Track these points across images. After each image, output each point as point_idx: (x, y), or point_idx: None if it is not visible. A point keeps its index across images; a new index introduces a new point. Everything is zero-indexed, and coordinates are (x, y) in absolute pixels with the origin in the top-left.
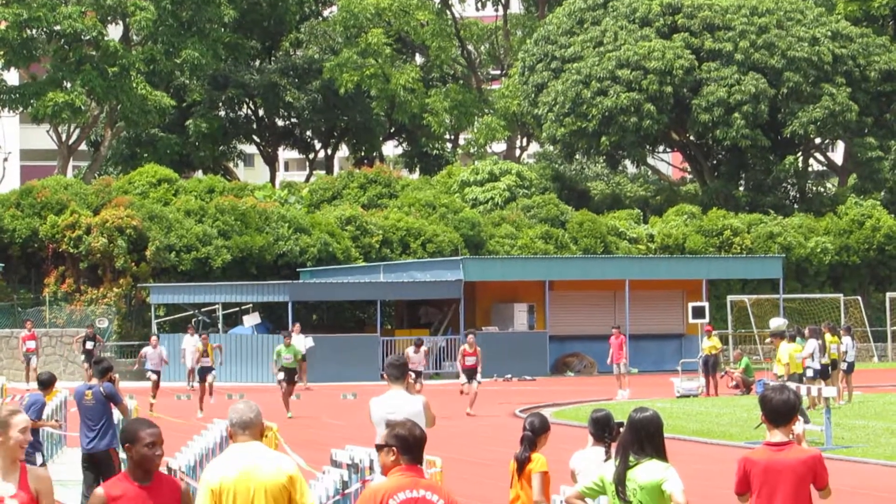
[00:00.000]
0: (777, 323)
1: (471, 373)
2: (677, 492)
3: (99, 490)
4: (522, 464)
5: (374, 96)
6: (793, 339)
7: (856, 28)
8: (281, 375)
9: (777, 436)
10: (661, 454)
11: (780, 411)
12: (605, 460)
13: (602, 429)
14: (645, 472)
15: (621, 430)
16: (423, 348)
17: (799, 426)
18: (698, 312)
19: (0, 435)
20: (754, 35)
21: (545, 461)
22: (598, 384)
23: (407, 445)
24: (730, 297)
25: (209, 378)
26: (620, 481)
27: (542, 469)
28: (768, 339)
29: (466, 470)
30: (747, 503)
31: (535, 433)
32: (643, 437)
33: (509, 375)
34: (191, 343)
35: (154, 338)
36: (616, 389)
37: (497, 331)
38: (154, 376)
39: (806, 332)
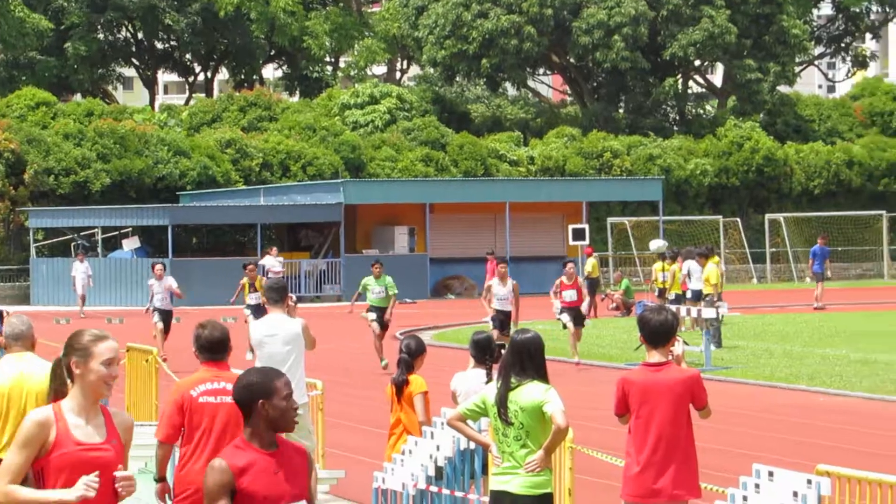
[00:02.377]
0: (657, 245)
1: (575, 312)
2: (557, 413)
3: (219, 462)
4: (401, 387)
5: (254, 19)
6: (673, 259)
7: None
8: (371, 316)
9: (655, 356)
10: (542, 376)
11: (659, 332)
12: (487, 382)
13: (483, 351)
14: (526, 393)
15: (502, 352)
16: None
17: (678, 347)
18: (578, 234)
19: (79, 366)
20: None
21: (423, 382)
22: (478, 307)
23: (204, 345)
24: (610, 220)
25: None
26: (502, 403)
27: (422, 390)
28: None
29: (348, 393)
30: (627, 423)
31: (412, 355)
32: (525, 359)
33: None
34: (80, 270)
35: (160, 266)
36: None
37: (378, 253)
38: (159, 323)
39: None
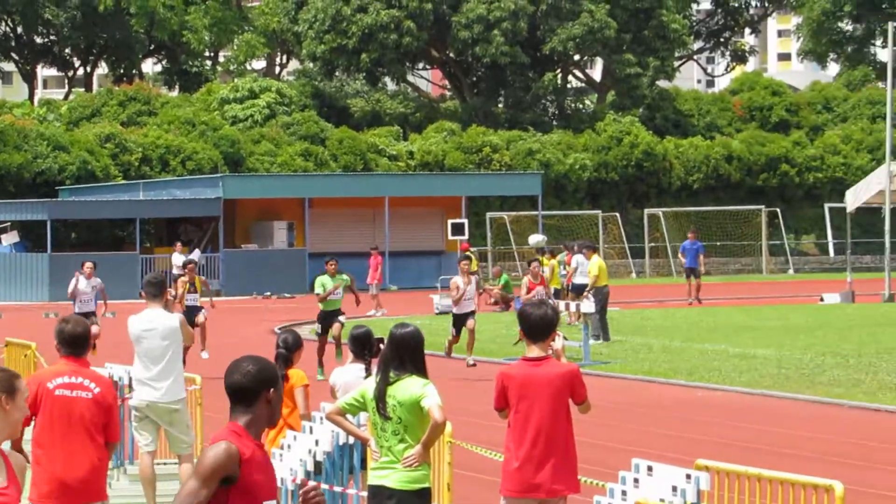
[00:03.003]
0: (536, 239)
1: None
2: (434, 408)
3: (230, 446)
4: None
5: (134, 13)
6: (553, 255)
7: None
8: (317, 328)
9: (534, 351)
10: (421, 370)
11: (538, 326)
12: (365, 377)
13: (361, 345)
14: (404, 388)
15: (381, 346)
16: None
17: (558, 341)
18: (457, 229)
19: (8, 403)
20: None
21: (304, 375)
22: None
23: (66, 340)
24: (489, 214)
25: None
26: (381, 397)
27: (303, 383)
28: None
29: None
30: (507, 418)
31: (290, 350)
32: (404, 353)
33: (269, 293)
34: None
35: (90, 263)
36: (371, 307)
37: (257, 248)
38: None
39: (575, 247)
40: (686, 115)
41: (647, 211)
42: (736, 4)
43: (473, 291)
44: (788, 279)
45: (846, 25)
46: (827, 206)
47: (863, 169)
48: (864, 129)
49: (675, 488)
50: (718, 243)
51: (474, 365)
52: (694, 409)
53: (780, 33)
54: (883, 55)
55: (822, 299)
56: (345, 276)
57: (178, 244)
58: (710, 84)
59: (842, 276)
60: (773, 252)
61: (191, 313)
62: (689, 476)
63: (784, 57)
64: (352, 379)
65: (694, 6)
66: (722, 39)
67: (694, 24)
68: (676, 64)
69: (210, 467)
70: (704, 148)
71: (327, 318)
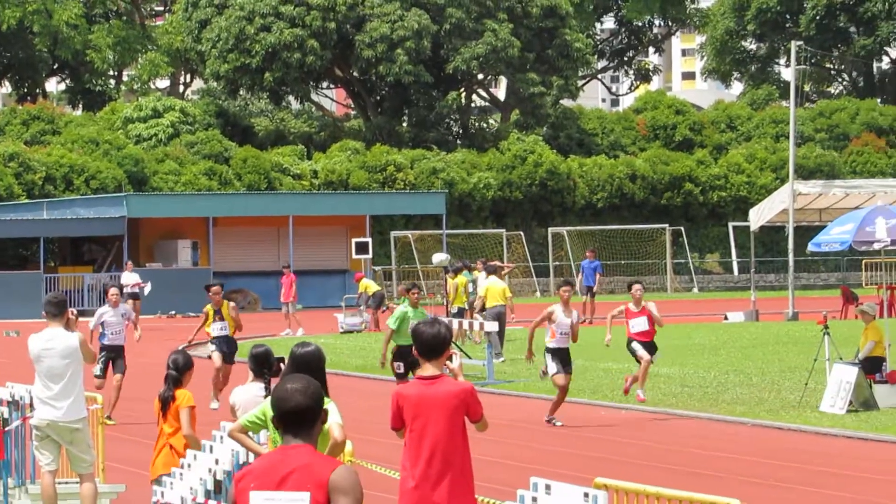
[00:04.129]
0: (440, 258)
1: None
2: (335, 427)
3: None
4: (167, 401)
5: (37, 32)
6: (457, 272)
7: None
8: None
9: (429, 370)
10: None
11: (431, 345)
12: (265, 395)
13: (261, 364)
14: None
15: (282, 365)
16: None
17: (455, 361)
18: (362, 248)
19: None
20: None
21: (190, 396)
22: (262, 320)
23: None
24: (393, 233)
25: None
26: None
27: (188, 404)
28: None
29: (127, 406)
30: (404, 437)
31: (180, 371)
32: (305, 372)
33: (173, 312)
34: None
35: (115, 289)
36: (285, 327)
37: (161, 267)
38: (101, 365)
39: (478, 265)
40: (590, 133)
41: (551, 230)
42: (640, 24)
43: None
44: (693, 297)
45: (750, 44)
46: (731, 224)
47: (766, 188)
48: (767, 147)
49: None
50: (623, 262)
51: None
52: (596, 428)
53: (684, 52)
54: (786, 74)
55: (726, 318)
56: (423, 311)
57: (129, 263)
58: (615, 103)
59: (746, 294)
60: (678, 271)
61: (223, 345)
62: (587, 494)
63: (688, 76)
64: (251, 397)
65: (598, 25)
66: (626, 58)
67: (598, 43)
68: (580, 83)
69: (361, 488)
70: (608, 167)
71: (409, 354)
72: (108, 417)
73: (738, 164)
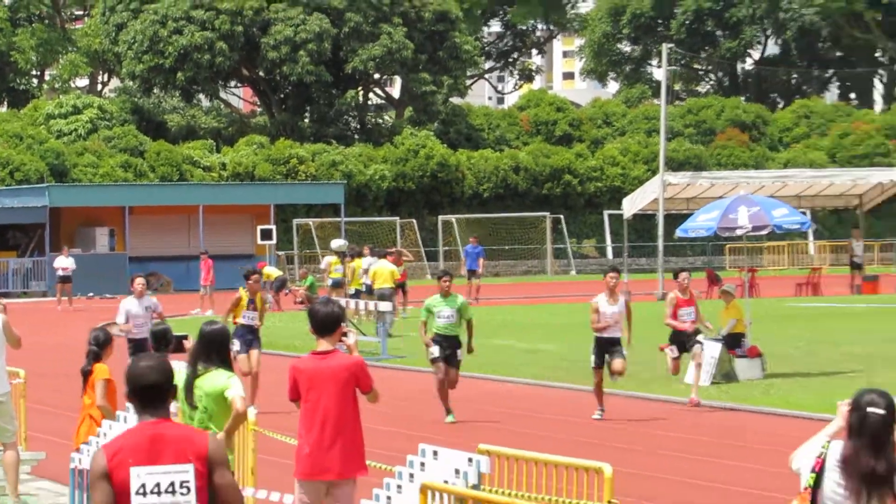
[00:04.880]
0: (338, 244)
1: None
2: (237, 398)
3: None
4: (86, 375)
5: None
6: (353, 257)
7: None
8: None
9: (323, 345)
10: (226, 364)
11: (325, 322)
12: None
13: (158, 340)
14: (210, 380)
15: (184, 342)
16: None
17: (351, 337)
18: (266, 234)
19: None
20: None
21: (107, 369)
22: (173, 301)
23: None
24: (296, 221)
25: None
26: (189, 388)
27: (103, 377)
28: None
29: (50, 382)
30: (300, 407)
31: (100, 346)
32: (211, 349)
33: (91, 294)
34: None
35: (141, 279)
36: (200, 307)
37: (81, 252)
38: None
39: (365, 250)
40: (477, 129)
41: (441, 217)
42: (524, 28)
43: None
44: (570, 279)
45: (625, 47)
46: (606, 212)
47: (639, 179)
48: (640, 142)
49: (457, 471)
50: (507, 247)
51: None
52: (483, 399)
53: (565, 54)
54: (658, 74)
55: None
56: (461, 299)
57: (66, 248)
58: (500, 101)
59: (620, 277)
60: (557, 255)
61: (247, 334)
62: (470, 460)
63: (568, 76)
64: None
65: (485, 29)
66: (510, 60)
67: (485, 45)
68: (469, 82)
69: None
70: (494, 159)
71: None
72: None
73: (613, 157)
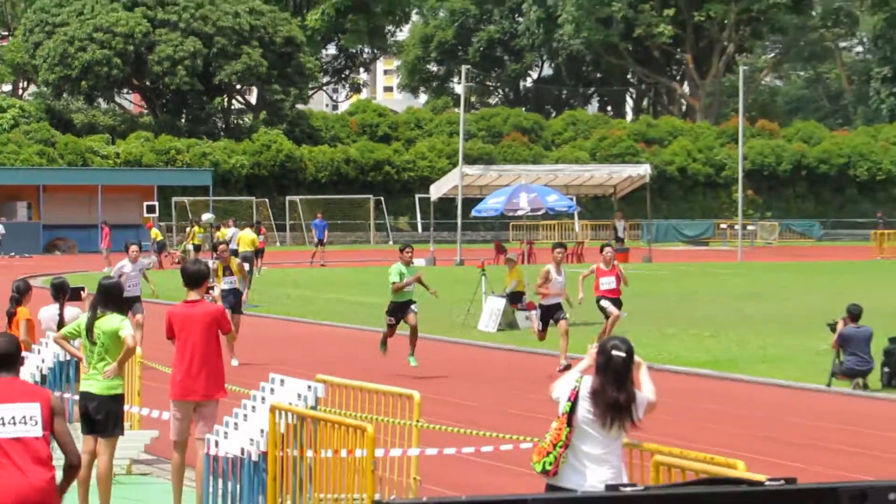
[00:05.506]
0: (207, 217)
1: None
2: (128, 337)
3: None
4: (11, 316)
5: None
6: (219, 228)
7: (267, 6)
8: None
9: (192, 296)
10: (120, 309)
11: (194, 277)
12: (59, 314)
13: (57, 291)
14: (107, 322)
15: (81, 293)
16: None
17: (217, 290)
18: (151, 209)
19: None
20: (194, 9)
21: (27, 311)
22: (80, 260)
23: None
24: (174, 199)
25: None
26: (90, 328)
27: (25, 317)
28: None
29: None
30: (175, 344)
31: (21, 293)
32: (108, 298)
33: (13, 253)
34: None
35: (136, 246)
36: (103, 266)
37: (6, 221)
38: (139, 315)
39: (230, 223)
40: (317, 129)
41: (288, 198)
42: (354, 51)
43: None
44: (389, 248)
45: (432, 67)
46: (417, 196)
47: (443, 170)
48: (444, 141)
49: (299, 395)
50: (339, 222)
51: None
52: (320, 340)
53: (386, 72)
54: (458, 89)
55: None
56: (417, 267)
57: (2, 218)
58: (335, 107)
59: (427, 246)
60: (379, 229)
61: (230, 296)
62: (309, 386)
63: (388, 89)
64: (51, 315)
65: (323, 51)
66: (343, 76)
67: (323, 64)
68: (310, 93)
69: None
70: (330, 153)
71: (402, 310)
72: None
73: (423, 152)
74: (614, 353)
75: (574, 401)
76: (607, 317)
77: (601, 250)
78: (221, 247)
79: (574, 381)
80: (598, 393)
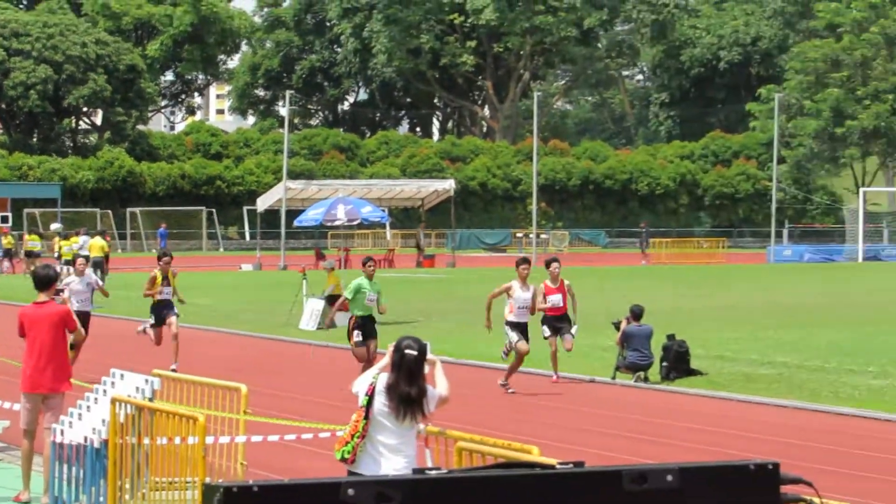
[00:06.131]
0: (55, 226)
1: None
2: None
3: None
4: None
5: None
6: (67, 237)
7: (111, 37)
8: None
9: (41, 297)
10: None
11: (43, 280)
12: None
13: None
14: None
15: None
16: None
17: (67, 292)
18: (4, 220)
19: None
20: (46, 39)
21: None
22: None
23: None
24: (25, 210)
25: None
26: None
27: None
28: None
29: None
30: (25, 341)
31: None
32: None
33: None
34: None
35: (82, 259)
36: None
37: None
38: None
39: (81, 231)
40: (156, 147)
41: (129, 209)
42: (189, 77)
43: None
44: (220, 255)
45: (260, 92)
46: (246, 208)
47: (269, 184)
48: (270, 159)
49: (137, 388)
50: (175, 231)
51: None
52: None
53: (218, 96)
54: (283, 112)
55: (240, 267)
56: (377, 283)
57: None
58: (172, 128)
59: (254, 253)
60: (211, 237)
61: (163, 308)
62: (146, 380)
63: (220, 111)
64: None
65: (162, 77)
66: (180, 99)
67: (162, 89)
68: (150, 115)
69: None
70: (167, 169)
71: (366, 326)
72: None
73: (251, 169)
74: (407, 351)
75: (371, 395)
76: (545, 339)
77: (547, 266)
78: (166, 259)
79: (371, 378)
80: (392, 388)
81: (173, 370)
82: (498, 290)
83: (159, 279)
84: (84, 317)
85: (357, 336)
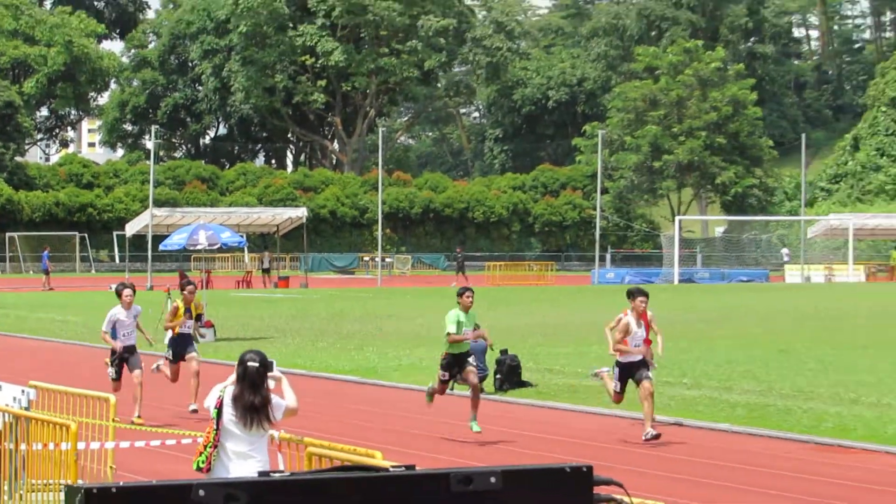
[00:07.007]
0: None
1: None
2: None
3: None
4: None
5: None
6: None
7: None
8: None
9: None
10: None
11: None
12: None
13: None
14: None
15: None
16: None
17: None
18: None
19: None
20: None
21: None
22: None
23: None
24: None
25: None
26: None
27: None
28: None
29: None
30: None
31: None
32: None
33: None
34: None
35: (129, 290)
36: None
37: None
38: (114, 369)
39: None
40: (32, 177)
41: (8, 234)
42: (63, 112)
43: None
44: (92, 276)
45: (128, 126)
46: (115, 233)
47: (137, 212)
48: (138, 188)
49: (14, 398)
50: (50, 254)
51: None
52: (31, 352)
53: (90, 130)
54: (149, 145)
55: (111, 287)
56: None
57: None
58: (47, 160)
59: (123, 274)
60: (83, 260)
61: (180, 343)
62: (23, 391)
63: (92, 144)
64: None
65: (38, 113)
66: (54, 133)
67: (37, 123)
68: (27, 147)
69: None
70: (43, 197)
71: (459, 364)
72: (139, 416)
73: (120, 197)
74: (249, 363)
75: (220, 407)
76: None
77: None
78: (189, 287)
79: (219, 391)
80: (237, 398)
81: (194, 411)
82: (619, 334)
83: (181, 310)
84: (131, 349)
85: (444, 377)
